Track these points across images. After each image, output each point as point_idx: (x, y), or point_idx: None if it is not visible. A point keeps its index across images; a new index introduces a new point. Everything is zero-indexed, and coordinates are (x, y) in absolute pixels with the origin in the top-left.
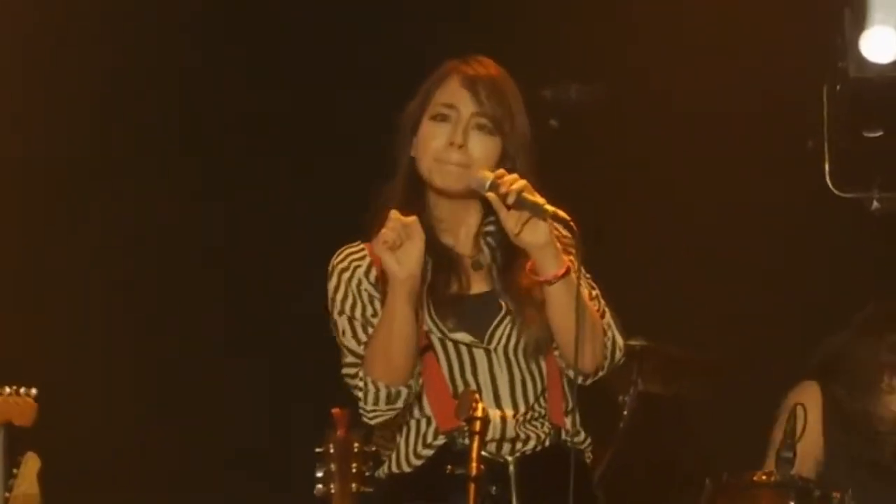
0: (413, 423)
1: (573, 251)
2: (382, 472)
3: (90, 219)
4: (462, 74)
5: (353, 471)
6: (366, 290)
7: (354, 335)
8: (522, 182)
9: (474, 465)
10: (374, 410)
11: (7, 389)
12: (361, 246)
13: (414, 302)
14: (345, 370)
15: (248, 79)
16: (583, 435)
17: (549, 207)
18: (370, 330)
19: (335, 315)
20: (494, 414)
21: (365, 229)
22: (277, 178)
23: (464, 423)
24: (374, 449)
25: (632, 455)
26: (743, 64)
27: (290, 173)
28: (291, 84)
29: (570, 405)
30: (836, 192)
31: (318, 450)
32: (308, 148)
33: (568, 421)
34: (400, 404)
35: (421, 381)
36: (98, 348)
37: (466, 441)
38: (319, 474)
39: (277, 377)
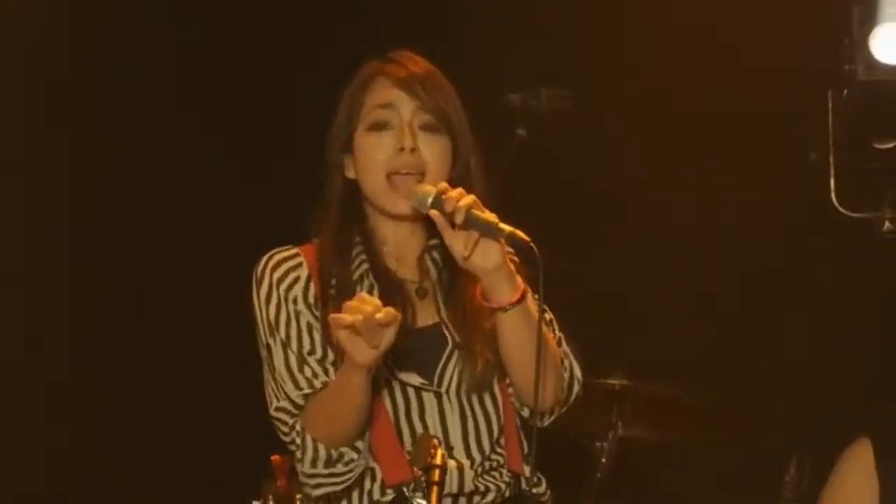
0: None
1: (527, 272)
2: None
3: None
4: (391, 75)
5: None
6: (303, 314)
7: (290, 373)
8: (470, 197)
9: None
10: (313, 476)
11: None
12: (295, 251)
13: (370, 384)
14: (276, 414)
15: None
16: (543, 484)
17: (505, 226)
18: (307, 370)
19: (266, 336)
20: (451, 465)
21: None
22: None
23: (419, 473)
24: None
25: None
26: (739, 67)
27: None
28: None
29: (527, 450)
30: (842, 210)
31: (255, 502)
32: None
33: (527, 469)
34: (340, 469)
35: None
36: None
37: (417, 496)
38: None
39: (206, 417)
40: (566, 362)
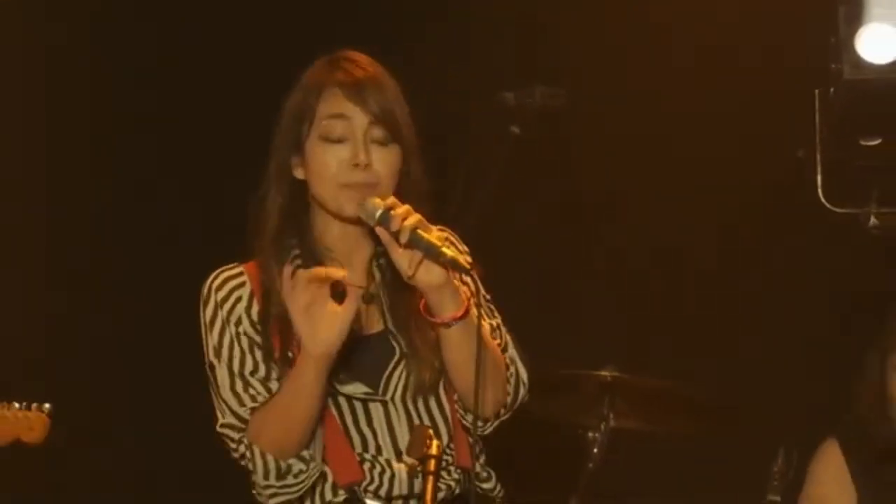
0: None
1: (469, 286)
2: None
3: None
4: (342, 84)
5: None
6: (245, 333)
7: (234, 392)
8: (416, 217)
9: None
10: (267, 487)
11: (16, 405)
12: (240, 269)
13: (325, 377)
14: (222, 430)
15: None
16: (493, 480)
17: (447, 250)
18: (250, 390)
19: (211, 357)
20: (399, 467)
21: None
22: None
23: (365, 477)
24: None
25: (601, 499)
26: (727, 66)
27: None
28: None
29: (478, 448)
30: (829, 206)
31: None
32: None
33: (478, 465)
34: (291, 480)
35: (319, 446)
36: None
37: (371, 496)
38: None
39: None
40: (511, 368)
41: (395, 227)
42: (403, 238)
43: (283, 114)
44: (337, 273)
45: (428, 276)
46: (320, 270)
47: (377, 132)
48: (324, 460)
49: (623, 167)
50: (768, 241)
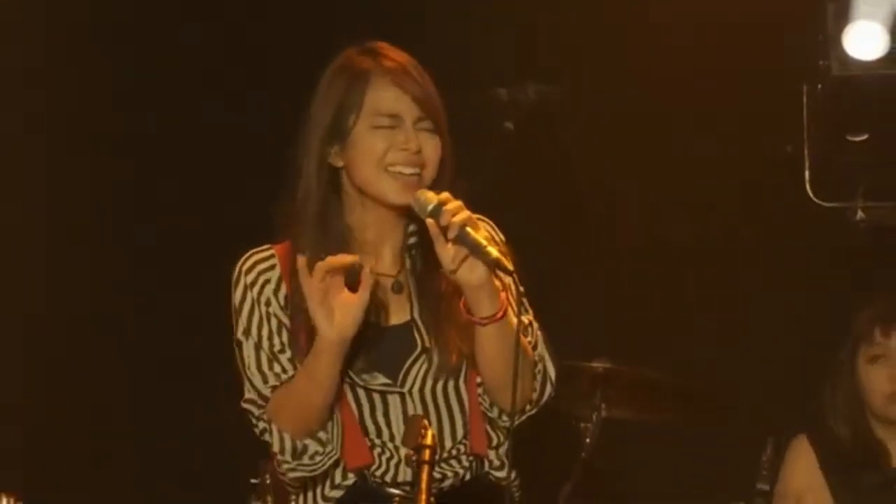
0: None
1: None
2: None
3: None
4: (390, 72)
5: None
6: (275, 314)
7: (260, 370)
8: (466, 214)
9: (423, 496)
10: (284, 462)
11: None
12: (271, 252)
13: (340, 364)
14: (245, 405)
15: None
16: (506, 469)
17: (492, 250)
18: (276, 367)
19: (240, 333)
20: (407, 454)
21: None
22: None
23: (373, 462)
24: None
25: (594, 487)
26: (716, 62)
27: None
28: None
29: (496, 441)
30: (816, 200)
31: (253, 481)
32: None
33: (492, 453)
34: (307, 461)
35: (337, 432)
36: None
37: (379, 480)
38: None
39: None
40: (540, 365)
41: (444, 221)
42: (452, 234)
43: (320, 103)
44: (347, 259)
45: (470, 274)
46: (334, 260)
47: (425, 122)
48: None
49: (616, 162)
50: (757, 235)
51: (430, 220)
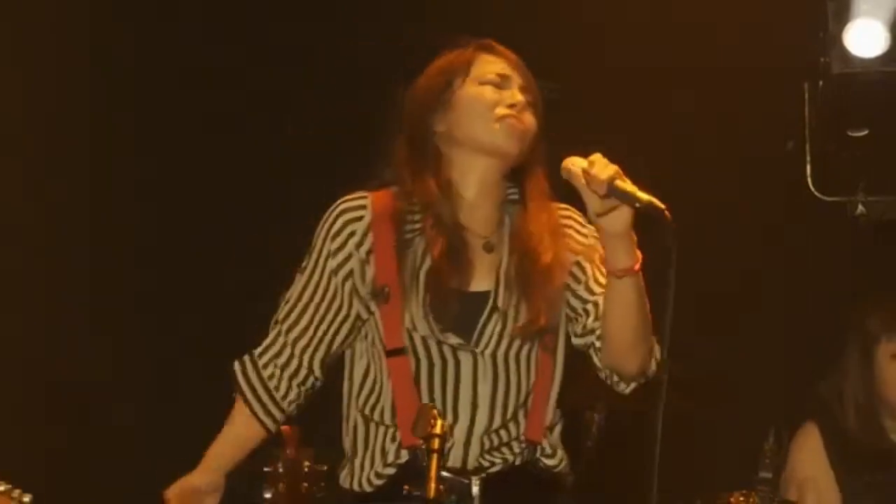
0: (378, 434)
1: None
2: (345, 481)
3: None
4: (498, 53)
5: (304, 492)
6: (340, 273)
7: (286, 307)
8: (613, 168)
9: (433, 485)
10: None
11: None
12: (362, 202)
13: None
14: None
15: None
16: (558, 456)
17: (643, 195)
18: (292, 316)
19: (302, 266)
20: (458, 431)
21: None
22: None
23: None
24: (325, 468)
25: (599, 476)
26: (719, 60)
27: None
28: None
29: (553, 419)
30: (818, 195)
31: (266, 469)
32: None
33: (546, 438)
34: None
35: (389, 385)
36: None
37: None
38: (268, 495)
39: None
40: (652, 341)
41: (597, 179)
42: (602, 189)
43: (427, 76)
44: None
45: (615, 221)
46: None
47: (528, 96)
48: (394, 420)
49: (616, 160)
50: (760, 229)
51: (575, 170)
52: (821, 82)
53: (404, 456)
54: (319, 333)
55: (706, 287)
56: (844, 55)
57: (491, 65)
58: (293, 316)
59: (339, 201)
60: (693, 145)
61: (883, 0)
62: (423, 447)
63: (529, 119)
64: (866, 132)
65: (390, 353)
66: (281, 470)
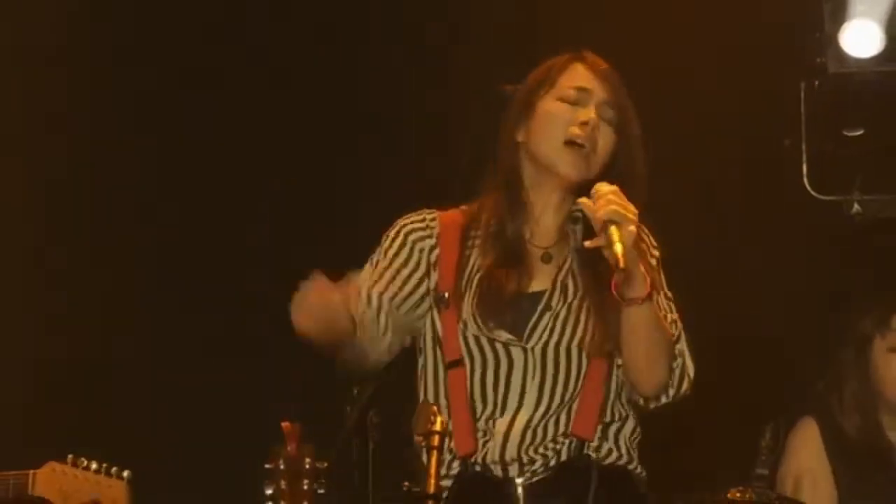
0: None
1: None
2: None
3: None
4: (589, 64)
5: (305, 489)
6: (412, 259)
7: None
8: (612, 208)
9: (432, 481)
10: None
11: (94, 465)
12: (430, 224)
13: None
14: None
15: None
16: (607, 446)
17: (618, 251)
18: (379, 281)
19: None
20: (501, 424)
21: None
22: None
23: (476, 449)
24: (325, 465)
25: None
26: (715, 59)
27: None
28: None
29: (611, 418)
30: (814, 194)
31: (266, 465)
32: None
33: (598, 433)
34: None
35: (446, 401)
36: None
37: (478, 467)
38: (269, 491)
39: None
40: (679, 360)
41: (595, 210)
42: (595, 224)
43: (523, 85)
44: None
45: (610, 256)
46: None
47: (608, 111)
48: (450, 430)
49: None
50: (756, 227)
51: (584, 201)
52: (817, 82)
53: (455, 467)
54: (399, 282)
55: (701, 284)
56: (840, 55)
57: (574, 78)
58: (368, 281)
59: (402, 220)
60: (689, 144)
61: (879, 0)
62: (476, 455)
63: (602, 137)
64: (862, 132)
65: (450, 365)
66: (282, 466)
